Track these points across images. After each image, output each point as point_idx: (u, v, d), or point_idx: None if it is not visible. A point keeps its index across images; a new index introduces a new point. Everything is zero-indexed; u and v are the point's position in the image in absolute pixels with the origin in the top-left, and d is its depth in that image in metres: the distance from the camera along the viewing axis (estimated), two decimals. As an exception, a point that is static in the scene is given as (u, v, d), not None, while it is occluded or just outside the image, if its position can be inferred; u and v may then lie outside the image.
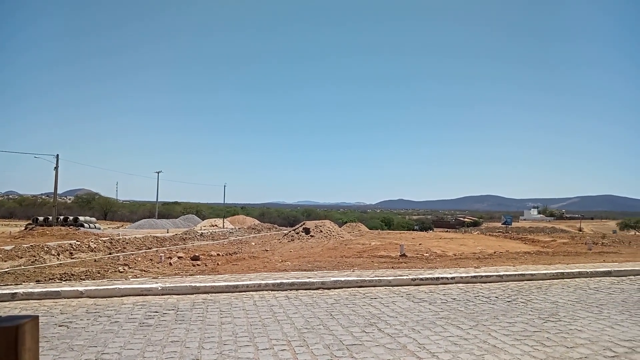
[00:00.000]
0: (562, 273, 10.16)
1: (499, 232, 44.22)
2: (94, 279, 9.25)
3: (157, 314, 6.53)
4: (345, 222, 51.71)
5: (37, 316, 1.25)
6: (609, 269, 10.67)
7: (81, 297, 7.58)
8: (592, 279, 10.07)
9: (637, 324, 6.10)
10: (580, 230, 70.02)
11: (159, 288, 7.95)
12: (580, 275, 10.24)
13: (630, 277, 10.41)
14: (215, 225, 54.79)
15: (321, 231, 26.60)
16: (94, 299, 7.48)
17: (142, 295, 7.79)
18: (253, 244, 23.92)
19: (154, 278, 9.39)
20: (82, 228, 37.02)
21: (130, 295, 7.74)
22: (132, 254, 16.12)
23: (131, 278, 9.45)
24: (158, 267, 12.13)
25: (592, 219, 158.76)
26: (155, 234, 28.73)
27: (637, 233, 55.70)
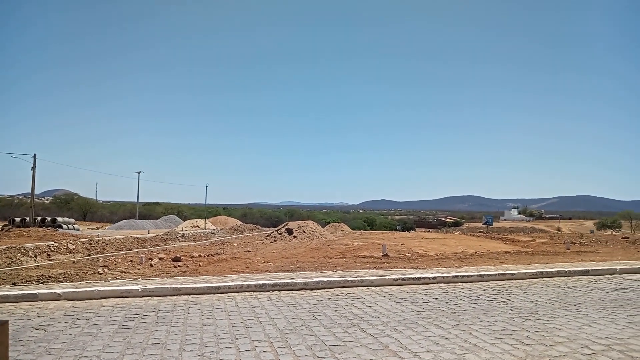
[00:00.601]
0: (542, 272, 10.32)
1: (480, 232, 44.76)
2: (72, 281, 9.10)
3: (137, 316, 6.44)
4: (328, 223, 51.86)
5: (7, 321, 1.21)
6: (587, 268, 10.87)
7: (59, 300, 7.44)
8: (570, 278, 10.24)
9: (614, 322, 6.22)
10: (558, 230, 71.28)
11: (140, 290, 7.84)
12: (559, 274, 10.41)
13: (607, 275, 10.61)
14: (197, 226, 54.36)
15: (304, 232, 26.58)
16: (72, 302, 7.35)
17: (122, 297, 7.67)
18: (235, 244, 23.80)
19: (134, 280, 9.27)
20: (60, 229, 36.36)
21: (109, 298, 7.62)
22: (112, 256, 15.90)
23: (111, 280, 9.31)
24: (139, 269, 11.98)
25: (570, 219, 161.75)
26: (135, 235, 28.39)
27: (613, 233, 56.94)
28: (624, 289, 8.91)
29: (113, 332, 5.61)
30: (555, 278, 10.15)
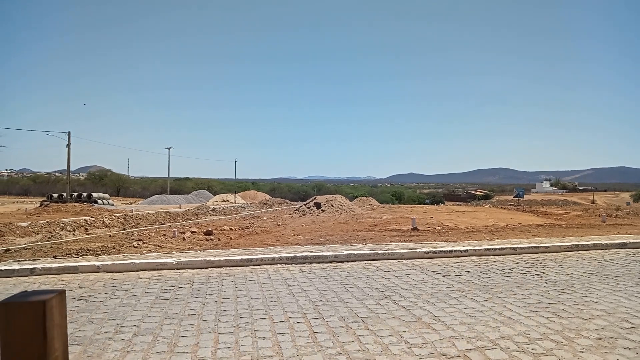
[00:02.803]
0: (577, 245, 10.09)
1: (510, 205, 44.02)
2: (109, 254, 9.37)
3: (173, 287, 6.61)
4: (356, 197, 51.82)
5: (64, 290, 1.22)
6: (624, 241, 10.58)
7: (98, 272, 7.69)
8: (607, 251, 9.99)
9: (654, 295, 6.06)
10: (593, 203, 69.45)
11: (174, 262, 8.02)
12: (595, 247, 10.17)
13: (645, 248, 10.31)
14: (227, 200, 55.10)
15: (332, 205, 26.67)
16: (111, 274, 7.58)
17: (158, 269, 7.88)
18: (265, 218, 24.05)
19: (168, 253, 9.49)
20: (95, 204, 37.42)
21: (145, 270, 7.83)
22: (146, 230, 16.29)
23: (146, 253, 9.55)
24: (172, 242, 12.25)
25: (605, 191, 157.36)
26: (167, 210, 28.99)
27: (651, 205, 55.11)
28: (664, 262, 8.65)
29: (151, 303, 5.77)
30: (591, 251, 9.92)
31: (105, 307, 5.58)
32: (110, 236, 14.02)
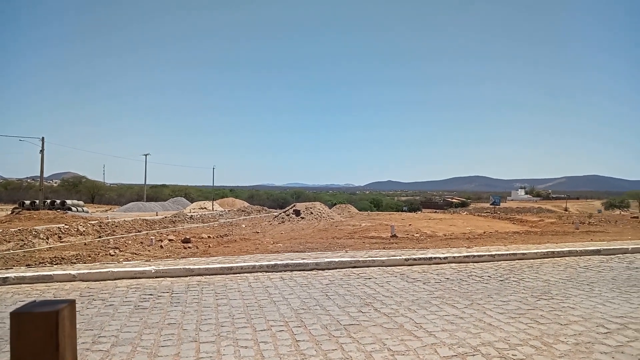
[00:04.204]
0: (553, 252, 10.29)
1: (487, 212, 44.69)
2: (85, 263, 9.17)
3: (152, 296, 6.50)
4: (335, 204, 51.93)
5: (74, 300, 1.19)
6: (598, 248, 10.83)
7: (74, 281, 7.52)
8: (581, 257, 10.22)
9: (628, 301, 6.20)
10: (566, 210, 70.98)
11: (153, 271, 7.90)
12: (570, 254, 10.38)
13: (618, 255, 10.57)
14: (205, 207, 54.61)
15: (312, 213, 26.67)
16: (87, 282, 7.42)
17: (136, 278, 7.74)
18: (243, 226, 23.88)
19: (146, 261, 9.34)
20: (69, 212, 36.64)
21: (123, 279, 7.69)
22: (122, 237, 16.01)
23: (123, 261, 9.39)
24: (149, 250, 12.06)
25: (577, 198, 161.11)
26: (144, 217, 28.57)
27: (622, 212, 56.62)
28: (637, 268, 8.88)
29: (129, 312, 5.66)
30: (566, 258, 10.12)
31: (81, 317, 5.45)
32: (85, 244, 13.73)
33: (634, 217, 28.88)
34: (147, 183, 74.92)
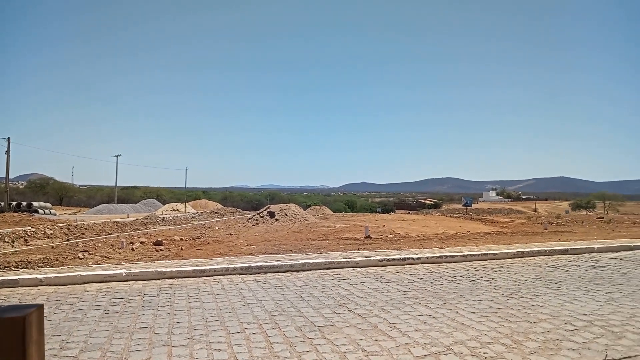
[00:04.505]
0: (523, 252, 10.51)
1: (459, 213, 45.37)
2: (52, 266, 8.93)
3: (122, 300, 6.36)
4: (310, 206, 51.97)
5: (42, 305, 1.14)
6: (566, 247, 11.11)
7: (41, 285, 7.30)
8: (550, 257, 10.46)
9: (594, 298, 6.38)
10: (535, 211, 72.58)
11: (124, 274, 7.74)
12: (539, 253, 10.62)
13: (585, 254, 10.87)
14: (177, 209, 53.90)
15: (286, 214, 26.59)
16: (55, 287, 7.22)
17: (106, 281, 7.57)
18: (217, 228, 23.65)
19: (117, 264, 9.15)
20: (36, 214, 35.59)
21: (93, 282, 7.50)
22: (92, 240, 15.66)
23: (92, 264, 9.17)
24: (120, 253, 11.83)
25: (546, 199, 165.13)
26: (115, 219, 27.99)
27: (588, 213, 58.27)
28: (602, 267, 9.14)
29: (99, 316, 5.53)
30: (535, 257, 10.35)
31: (48, 322, 5.29)
32: (52, 247, 13.36)
33: (599, 218, 29.75)
34: (118, 185, 73.52)
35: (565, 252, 10.89)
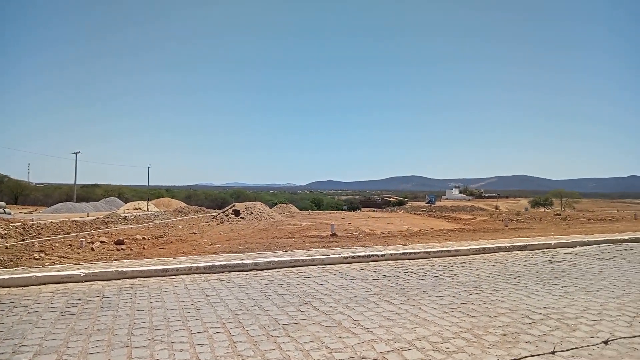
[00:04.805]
0: (484, 248, 10.77)
1: (423, 211, 46.11)
2: (6, 267, 8.58)
3: (80, 301, 6.17)
4: (276, 204, 51.83)
5: None
6: (525, 244, 11.45)
7: (-7, 287, 7.00)
8: (510, 253, 10.76)
9: (550, 292, 6.59)
10: (497, 208, 74.56)
11: (82, 274, 7.50)
12: (499, 249, 10.90)
13: (542, 250, 11.22)
14: (139, 208, 52.81)
15: (252, 213, 26.42)
16: (8, 289, 6.92)
17: (63, 282, 7.31)
18: (180, 227, 23.27)
19: (75, 264, 8.87)
20: (-10, 213, 34.17)
21: (49, 283, 7.23)
22: (49, 240, 15.14)
23: (49, 265, 8.86)
24: (79, 253, 11.49)
25: (507, 197, 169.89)
26: (74, 219, 27.15)
27: (546, 210, 60.24)
28: (558, 262, 9.46)
29: (55, 319, 5.33)
30: (496, 253, 10.62)
31: (1, 325, 5.07)
32: (6, 248, 12.83)
33: (556, 214, 30.82)
34: (77, 183, 71.34)
35: (524, 248, 11.22)
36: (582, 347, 4.27)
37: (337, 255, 9.38)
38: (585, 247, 11.65)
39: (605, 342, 4.38)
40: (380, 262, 9.43)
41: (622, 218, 25.98)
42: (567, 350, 4.19)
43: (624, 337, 4.52)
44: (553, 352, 4.11)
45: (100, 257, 10.60)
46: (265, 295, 6.48)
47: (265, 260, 8.80)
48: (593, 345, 4.33)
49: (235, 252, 10.31)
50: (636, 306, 5.79)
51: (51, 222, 22.87)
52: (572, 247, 11.64)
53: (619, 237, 12.94)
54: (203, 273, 8.18)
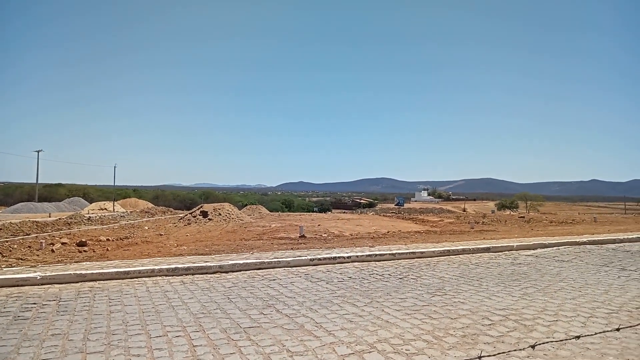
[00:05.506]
0: (448, 250, 10.93)
1: (392, 212, 46.57)
2: (-42, 270, 8.23)
3: (35, 305, 5.96)
4: (246, 205, 51.44)
5: None
6: (488, 246, 11.67)
7: (-58, 291, 6.70)
8: (473, 255, 10.95)
9: (510, 294, 6.73)
10: (464, 211, 75.86)
11: (38, 277, 7.26)
12: (463, 252, 11.09)
13: (505, 252, 11.47)
14: (105, 208, 51.59)
15: (220, 214, 26.14)
16: (-41, 292, 6.65)
17: (18, 286, 7.06)
18: (146, 228, 22.84)
19: (32, 267, 8.58)
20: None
21: (3, 287, 6.98)
22: (7, 241, 14.61)
23: (5, 268, 8.55)
24: (38, 255, 11.13)
25: (474, 200, 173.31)
26: (35, 219, 26.32)
27: (511, 212, 61.69)
28: (520, 263, 9.68)
29: (7, 323, 5.14)
30: (460, 255, 10.80)
31: (-52, 331, 4.86)
32: (-39, 249, 12.34)
33: (520, 217, 31.58)
34: (39, 182, 69.20)
35: (487, 250, 11.44)
36: (537, 347, 4.36)
37: (303, 258, 9.36)
38: (545, 249, 11.97)
39: (562, 342, 4.49)
40: (347, 263, 9.46)
41: (583, 221, 26.80)
42: (523, 349, 4.28)
43: (578, 337, 4.65)
44: (508, 353, 4.19)
45: (60, 259, 10.30)
46: (229, 298, 6.40)
47: (230, 262, 8.71)
48: (550, 344, 4.43)
49: (201, 254, 10.17)
50: (590, 307, 5.97)
51: (10, 222, 22.11)
52: (533, 249, 11.93)
53: (578, 240, 13.34)
54: (166, 275, 8.04)
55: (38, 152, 65.76)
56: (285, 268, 8.88)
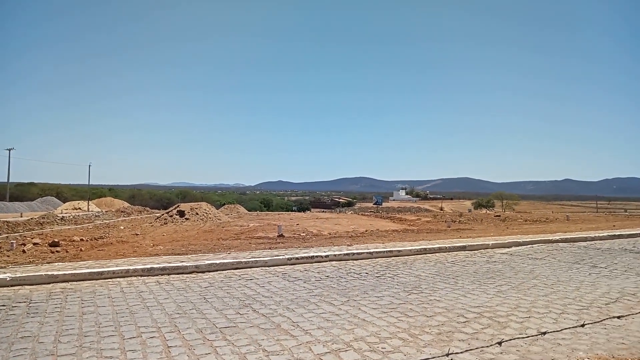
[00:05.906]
0: (425, 249, 11.03)
1: (370, 211, 46.81)
2: None
3: (4, 307, 5.81)
4: (224, 204, 51.09)
5: None
6: (464, 244, 11.83)
7: None
8: (450, 253, 11.08)
9: (485, 292, 6.82)
10: (441, 210, 76.76)
11: (8, 278, 7.08)
12: (440, 250, 11.21)
13: (481, 250, 11.64)
14: (79, 208, 50.61)
15: (197, 214, 25.90)
16: None
17: (-13, 287, 6.88)
18: (122, 227, 22.47)
19: (2, 268, 8.36)
20: None
21: (-29, 289, 6.79)
22: (-24, 242, 14.19)
23: (-27, 269, 8.30)
24: (8, 256, 10.83)
25: (451, 199, 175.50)
26: (6, 219, 25.65)
27: (487, 211, 62.59)
28: (495, 262, 9.83)
29: (-26, 326, 5.00)
30: (437, 254, 10.91)
31: None
32: None
33: (496, 216, 32.09)
34: (10, 181, 67.47)
35: (463, 248, 11.59)
36: (510, 343, 4.43)
37: (280, 257, 9.33)
38: (520, 247, 12.18)
39: (535, 338, 4.58)
40: (324, 262, 9.47)
41: (556, 219, 27.38)
42: (496, 345, 4.34)
43: (550, 332, 4.74)
44: (481, 349, 4.25)
45: (31, 259, 10.05)
46: (205, 298, 6.34)
47: (207, 262, 8.63)
48: (522, 340, 4.51)
49: (177, 254, 10.06)
50: (562, 303, 6.09)
51: (-21, 222, 21.50)
52: (508, 248, 12.14)
53: (551, 238, 13.62)
54: (141, 276, 7.93)
55: (9, 150, 64.10)
56: (263, 268, 8.84)
